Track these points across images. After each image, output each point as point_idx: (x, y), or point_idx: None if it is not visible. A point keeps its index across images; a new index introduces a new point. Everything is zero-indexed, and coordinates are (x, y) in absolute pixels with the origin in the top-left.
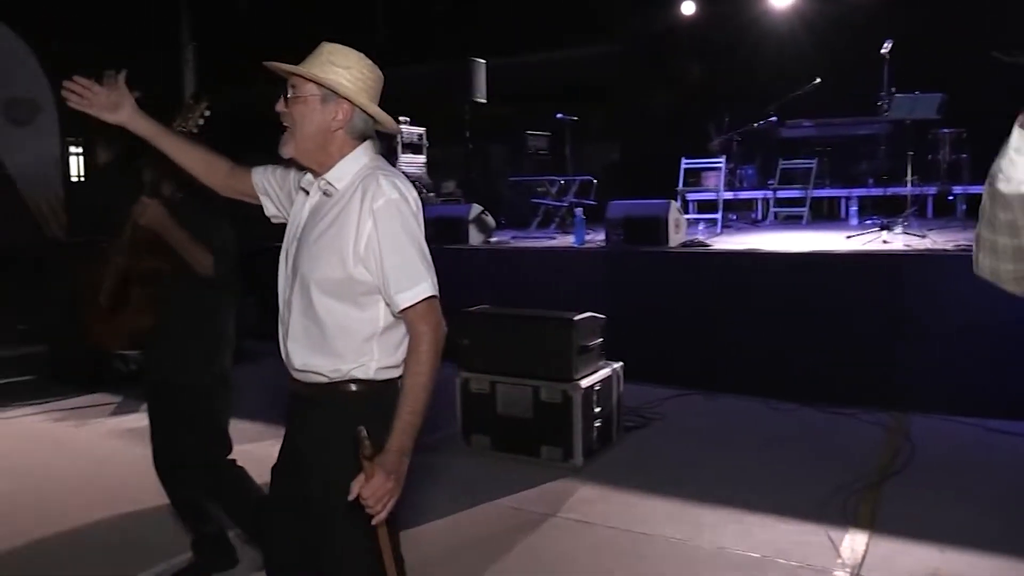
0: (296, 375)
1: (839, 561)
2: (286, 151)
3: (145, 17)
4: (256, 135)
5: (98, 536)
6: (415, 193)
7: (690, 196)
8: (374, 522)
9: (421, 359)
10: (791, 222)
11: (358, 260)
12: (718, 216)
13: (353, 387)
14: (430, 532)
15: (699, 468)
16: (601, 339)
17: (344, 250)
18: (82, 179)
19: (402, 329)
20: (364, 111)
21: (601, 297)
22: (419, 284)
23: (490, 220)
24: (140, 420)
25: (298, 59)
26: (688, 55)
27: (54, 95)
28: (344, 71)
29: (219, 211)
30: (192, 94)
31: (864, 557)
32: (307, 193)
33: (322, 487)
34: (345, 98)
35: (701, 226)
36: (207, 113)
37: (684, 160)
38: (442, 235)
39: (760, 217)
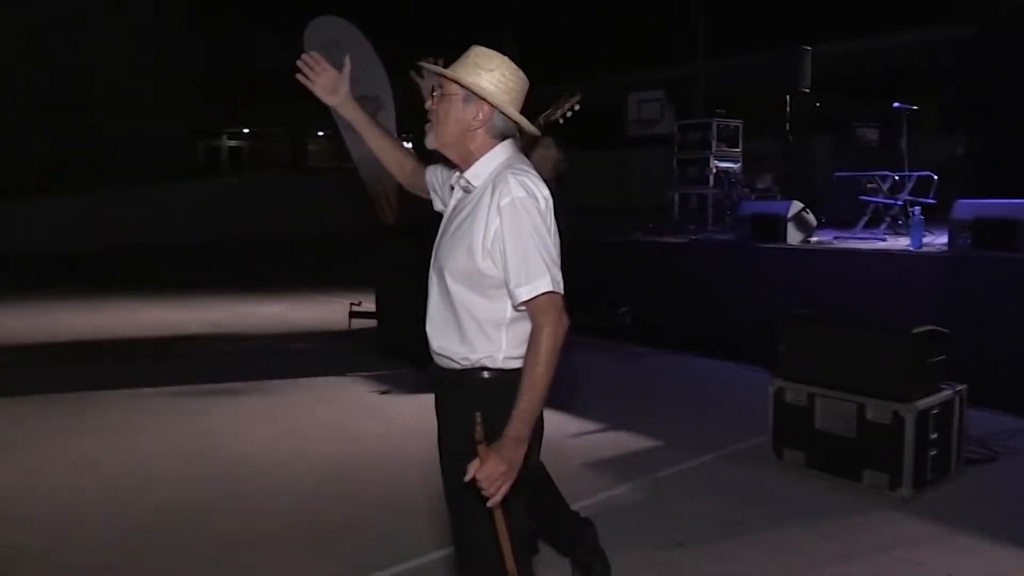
0: (435, 358)
1: None
2: (428, 142)
3: (472, 24)
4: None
5: (386, 512)
6: (546, 191)
7: None
8: (489, 504)
9: (539, 351)
10: None
11: (486, 254)
12: None
13: (485, 374)
14: (744, 551)
15: None
16: (943, 356)
17: (473, 244)
18: None
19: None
20: (503, 112)
21: (940, 308)
22: (538, 279)
23: (811, 218)
24: None
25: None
26: None
27: (393, 94)
28: (487, 74)
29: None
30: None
31: None
32: (453, 189)
33: (450, 466)
34: (484, 100)
35: None
36: (576, 107)
37: None
38: (758, 233)
39: None
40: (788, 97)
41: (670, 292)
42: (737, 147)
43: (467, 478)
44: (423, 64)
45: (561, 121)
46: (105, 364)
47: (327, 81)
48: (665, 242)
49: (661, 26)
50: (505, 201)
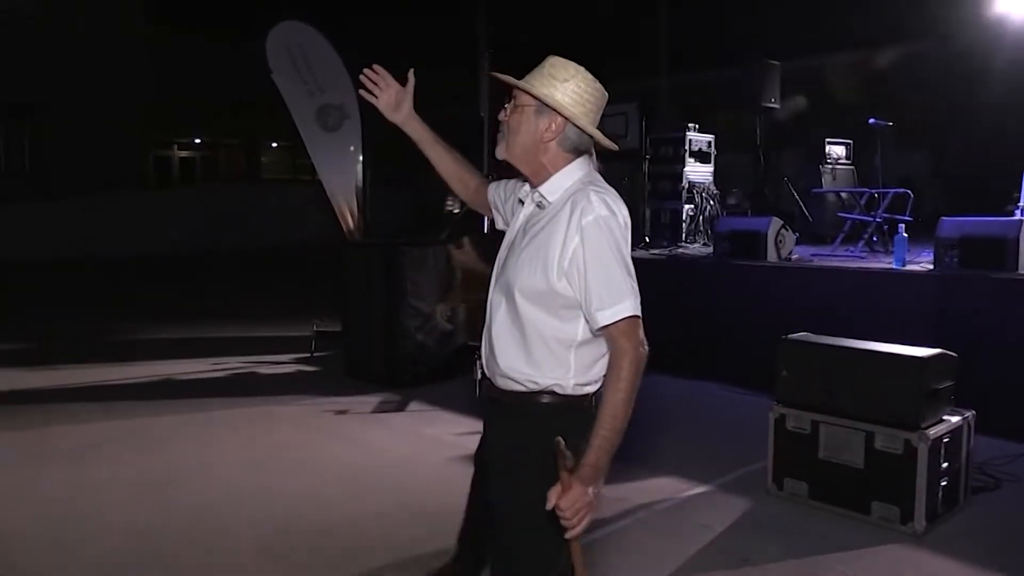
0: (495, 380)
1: None
2: (498, 152)
3: (448, 37)
4: None
5: (379, 539)
6: (626, 211)
7: None
8: (569, 535)
9: (622, 375)
10: None
11: (562, 274)
12: None
13: (547, 399)
14: None
15: None
16: (952, 382)
17: (548, 262)
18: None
19: (599, 347)
20: (575, 125)
21: (927, 328)
22: (621, 303)
23: (790, 235)
24: (429, 424)
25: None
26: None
27: (359, 104)
28: (561, 84)
29: None
30: None
31: None
32: (522, 204)
33: (508, 494)
34: (557, 112)
35: None
36: None
37: None
38: (737, 249)
39: None
40: (759, 113)
41: (647, 310)
42: (709, 162)
43: (548, 506)
44: (496, 74)
45: None
46: (56, 386)
47: (391, 97)
48: (641, 258)
49: (626, 38)
50: (588, 219)
